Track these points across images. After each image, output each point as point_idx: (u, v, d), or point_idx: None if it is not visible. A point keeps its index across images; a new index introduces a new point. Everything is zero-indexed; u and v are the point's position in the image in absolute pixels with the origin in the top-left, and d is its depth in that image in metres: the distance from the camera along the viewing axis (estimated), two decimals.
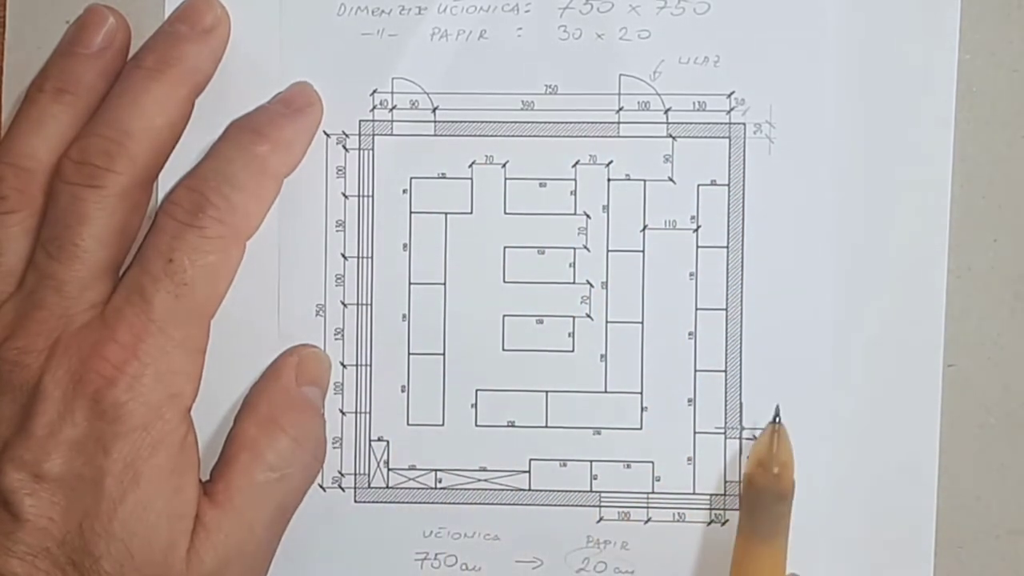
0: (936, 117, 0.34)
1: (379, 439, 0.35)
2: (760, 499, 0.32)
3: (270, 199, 0.33)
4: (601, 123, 0.34)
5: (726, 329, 0.34)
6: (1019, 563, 0.34)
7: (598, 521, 0.35)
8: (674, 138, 0.34)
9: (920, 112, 0.34)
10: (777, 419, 0.33)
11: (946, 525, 0.34)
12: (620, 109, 0.34)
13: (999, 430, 0.34)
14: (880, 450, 0.34)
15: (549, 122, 0.34)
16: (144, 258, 0.31)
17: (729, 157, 0.34)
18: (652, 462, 0.34)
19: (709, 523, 0.34)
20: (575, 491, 0.35)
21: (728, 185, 0.34)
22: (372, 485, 0.35)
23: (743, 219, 0.34)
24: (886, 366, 0.34)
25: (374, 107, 0.35)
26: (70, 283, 0.31)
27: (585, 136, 0.34)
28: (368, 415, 0.35)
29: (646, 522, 0.35)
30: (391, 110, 0.34)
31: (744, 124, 0.34)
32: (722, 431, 0.34)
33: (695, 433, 0.34)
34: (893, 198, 0.34)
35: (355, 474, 0.35)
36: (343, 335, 0.35)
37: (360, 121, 0.35)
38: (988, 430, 0.34)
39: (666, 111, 0.34)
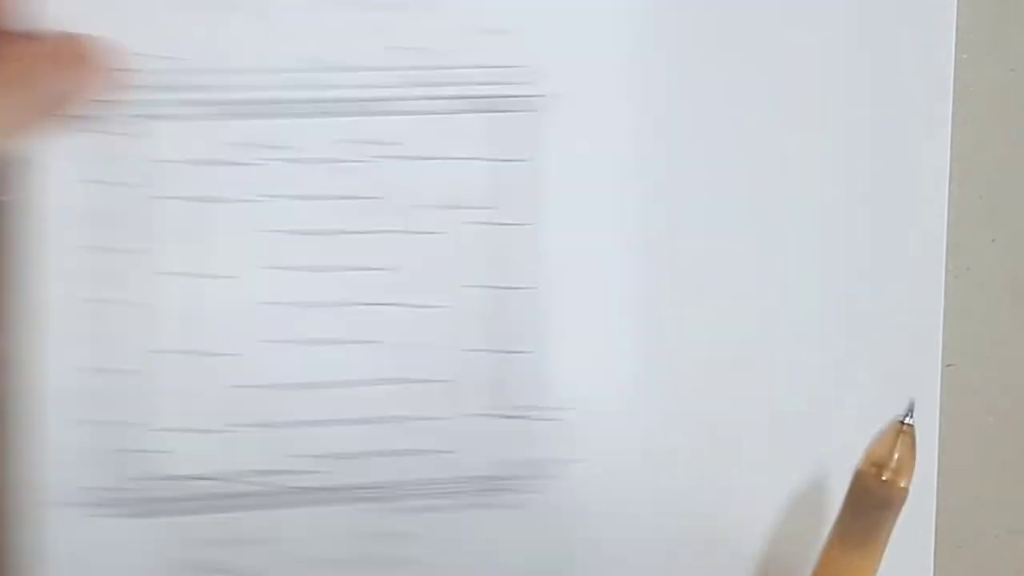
0: (933, 116, 0.33)
1: (136, 449, 0.31)
2: (863, 501, 0.30)
3: None
4: (389, 100, 0.31)
5: (531, 309, 0.32)
6: (1019, 563, 0.34)
7: (395, 514, 0.32)
8: (469, 113, 0.31)
9: (917, 111, 0.33)
10: (908, 418, 0.30)
11: (946, 525, 0.34)
12: (409, 84, 0.31)
13: (999, 430, 0.34)
14: None
15: (332, 100, 0.31)
16: None
17: (529, 132, 0.32)
18: (452, 451, 0.32)
19: (513, 508, 0.32)
20: (369, 486, 0.32)
21: (528, 160, 0.32)
22: (130, 499, 0.31)
23: (544, 196, 0.32)
24: (885, 366, 0.34)
25: (134, 88, 0.30)
26: None
27: (372, 114, 0.31)
28: (121, 424, 0.31)
29: (445, 511, 0.32)
30: (152, 90, 0.30)
31: (543, 96, 0.32)
32: (527, 414, 0.32)
33: (498, 417, 0.32)
34: (890, 198, 0.34)
35: (106, 488, 0.30)
36: (87, 334, 0.30)
37: (119, 102, 0.30)
38: (988, 430, 0.34)
39: (460, 85, 0.31)
